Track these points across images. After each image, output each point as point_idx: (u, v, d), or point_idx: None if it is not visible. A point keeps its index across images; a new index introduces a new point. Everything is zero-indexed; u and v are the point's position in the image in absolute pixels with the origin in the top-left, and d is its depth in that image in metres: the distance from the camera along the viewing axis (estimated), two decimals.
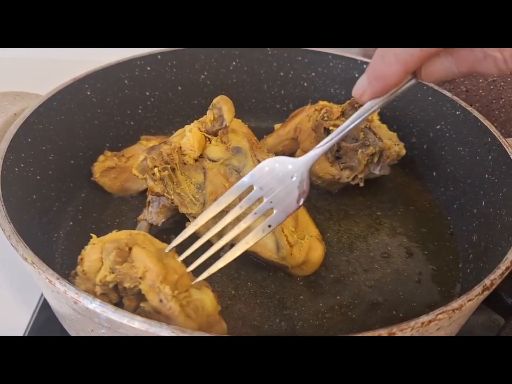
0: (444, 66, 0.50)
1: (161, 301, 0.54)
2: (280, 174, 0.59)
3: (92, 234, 0.62)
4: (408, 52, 0.48)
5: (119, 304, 0.58)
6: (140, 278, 0.55)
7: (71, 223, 0.82)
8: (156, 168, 0.70)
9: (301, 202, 0.59)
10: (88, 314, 0.49)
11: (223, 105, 0.73)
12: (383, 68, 0.50)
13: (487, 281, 0.54)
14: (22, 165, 0.73)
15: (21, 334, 0.74)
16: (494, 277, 0.55)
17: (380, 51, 0.51)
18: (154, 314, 0.56)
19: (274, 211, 0.59)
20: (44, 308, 0.77)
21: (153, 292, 0.55)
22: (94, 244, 0.60)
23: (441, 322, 0.50)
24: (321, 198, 0.89)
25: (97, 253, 0.59)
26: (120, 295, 0.58)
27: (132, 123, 0.98)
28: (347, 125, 0.58)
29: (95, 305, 0.48)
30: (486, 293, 0.54)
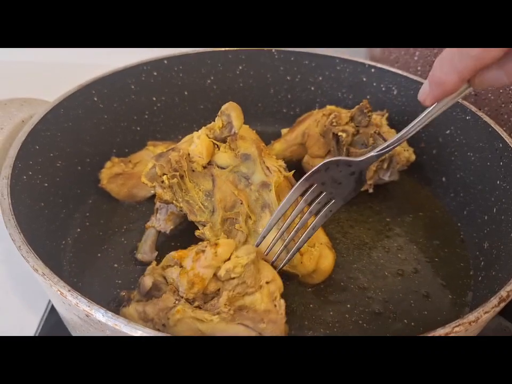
0: (495, 77, 0.55)
1: (275, 306, 0.61)
2: (340, 174, 0.67)
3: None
4: (463, 63, 0.53)
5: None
6: (262, 284, 0.62)
7: (78, 230, 0.81)
8: (165, 176, 0.69)
9: (358, 190, 0.71)
10: (100, 327, 0.49)
11: (231, 111, 0.73)
12: (441, 75, 0.56)
13: (503, 293, 0.54)
14: (30, 173, 0.72)
15: None
16: (510, 288, 0.54)
17: (439, 59, 0.55)
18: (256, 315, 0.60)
19: (334, 200, 0.69)
20: (52, 313, 0.77)
21: (269, 299, 0.61)
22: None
23: (457, 335, 0.49)
24: None
25: (230, 250, 0.62)
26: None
27: (139, 128, 0.97)
28: (409, 129, 0.66)
29: (107, 318, 0.47)
30: (503, 305, 0.53)
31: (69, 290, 0.50)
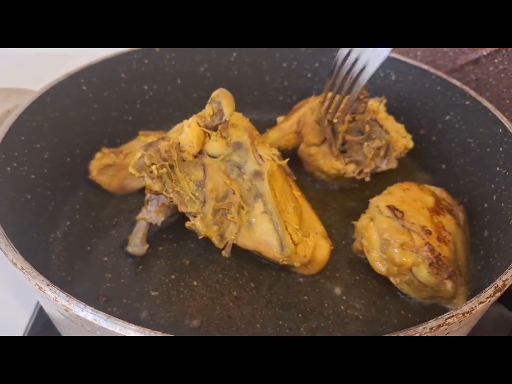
0: None
1: None
2: None
3: None
4: None
5: None
6: None
7: (68, 222, 0.80)
8: (154, 166, 0.67)
9: None
10: (80, 322, 0.47)
11: (222, 99, 0.71)
12: None
13: (499, 282, 0.51)
14: (15, 164, 0.70)
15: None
16: (506, 278, 0.52)
17: None
18: None
19: None
20: (43, 310, 0.75)
21: None
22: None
23: (450, 327, 0.47)
24: (326, 193, 0.86)
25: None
26: None
27: (130, 118, 0.95)
28: None
29: (86, 313, 0.45)
30: (498, 295, 0.51)
31: (48, 285, 0.48)
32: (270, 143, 0.89)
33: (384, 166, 0.84)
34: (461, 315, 0.47)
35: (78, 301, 0.46)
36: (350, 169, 0.83)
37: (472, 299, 0.49)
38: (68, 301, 0.46)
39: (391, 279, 0.70)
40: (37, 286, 0.48)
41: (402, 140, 0.84)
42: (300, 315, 0.67)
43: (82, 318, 0.45)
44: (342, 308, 0.68)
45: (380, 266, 0.70)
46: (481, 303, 0.49)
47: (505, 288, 0.51)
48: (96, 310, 0.45)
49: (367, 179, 0.84)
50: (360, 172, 0.84)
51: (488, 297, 0.49)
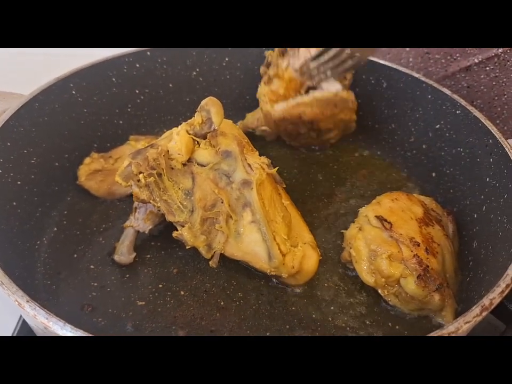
0: None
1: None
2: None
3: None
4: None
5: None
6: None
7: (55, 229, 0.79)
8: (141, 174, 0.67)
9: None
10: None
11: (211, 107, 0.70)
12: None
13: (486, 301, 0.51)
14: (0, 171, 0.70)
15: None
16: (493, 296, 0.52)
17: None
18: None
19: None
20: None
21: None
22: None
23: None
24: (315, 201, 0.86)
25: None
26: None
27: (121, 122, 0.95)
28: None
29: (66, 331, 0.45)
30: (485, 314, 0.51)
31: (27, 301, 0.47)
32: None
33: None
34: (446, 334, 0.47)
35: (58, 318, 0.46)
36: None
37: (458, 318, 0.49)
38: (47, 318, 0.46)
39: (379, 291, 0.69)
40: (16, 302, 0.48)
41: None
42: (287, 326, 0.67)
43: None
44: (330, 319, 0.68)
45: (368, 277, 0.69)
46: (467, 322, 0.48)
47: (492, 307, 0.51)
48: (75, 328, 0.45)
49: None
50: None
51: (474, 317, 0.49)
